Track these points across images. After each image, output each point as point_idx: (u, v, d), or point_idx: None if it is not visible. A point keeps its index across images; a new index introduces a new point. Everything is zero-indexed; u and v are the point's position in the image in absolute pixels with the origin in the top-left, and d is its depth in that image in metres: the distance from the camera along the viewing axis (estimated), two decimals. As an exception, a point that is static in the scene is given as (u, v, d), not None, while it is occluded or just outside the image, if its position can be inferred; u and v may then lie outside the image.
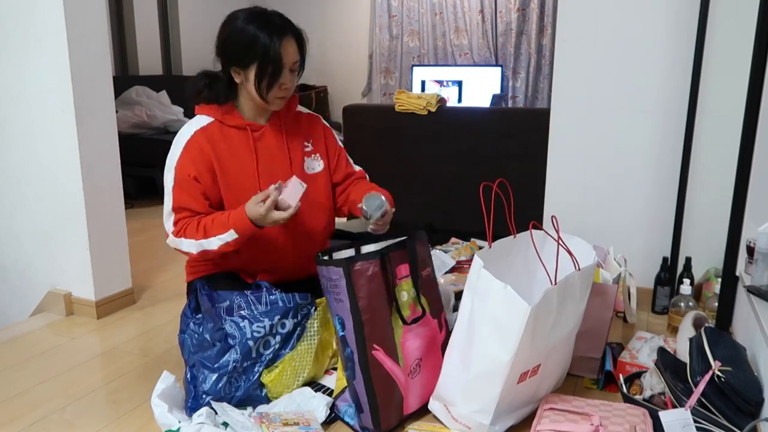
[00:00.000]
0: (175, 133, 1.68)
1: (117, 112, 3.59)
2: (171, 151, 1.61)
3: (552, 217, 1.48)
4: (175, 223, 1.57)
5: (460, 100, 4.85)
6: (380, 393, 1.36)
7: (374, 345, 1.35)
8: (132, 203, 3.85)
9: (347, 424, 1.43)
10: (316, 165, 1.75)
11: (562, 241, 1.43)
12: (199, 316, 1.55)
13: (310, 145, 1.75)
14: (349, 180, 1.82)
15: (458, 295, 1.89)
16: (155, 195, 4.09)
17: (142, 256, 2.79)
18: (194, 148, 1.59)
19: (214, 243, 1.52)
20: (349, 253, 1.50)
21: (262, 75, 1.55)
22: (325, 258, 1.42)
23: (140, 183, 4.15)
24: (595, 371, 1.65)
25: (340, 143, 1.86)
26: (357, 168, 1.88)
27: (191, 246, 1.55)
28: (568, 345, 1.49)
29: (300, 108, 1.79)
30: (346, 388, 1.43)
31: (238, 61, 1.58)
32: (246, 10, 1.60)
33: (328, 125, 1.84)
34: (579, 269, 1.41)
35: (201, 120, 1.64)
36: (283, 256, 1.68)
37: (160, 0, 5.02)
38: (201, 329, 1.51)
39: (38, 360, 1.83)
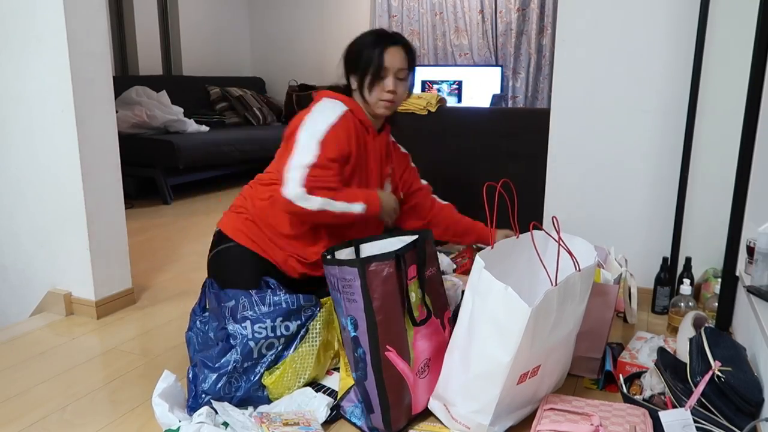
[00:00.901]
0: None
1: (117, 112, 3.60)
2: (319, 114, 1.71)
3: (552, 217, 1.48)
4: (309, 177, 1.60)
5: (459, 100, 4.85)
6: (392, 393, 1.36)
7: (387, 346, 1.36)
8: (132, 203, 3.86)
9: (354, 424, 1.43)
10: (386, 187, 1.92)
11: (562, 241, 1.43)
12: (206, 314, 1.56)
13: (391, 169, 1.93)
14: (420, 191, 2.04)
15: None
16: (155, 195, 4.10)
17: (142, 256, 2.79)
18: (347, 123, 1.71)
19: (338, 206, 1.63)
20: (349, 252, 1.50)
21: (365, 75, 1.73)
22: (336, 258, 1.42)
23: (140, 183, 4.16)
24: (595, 371, 1.65)
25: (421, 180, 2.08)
26: (424, 182, 2.09)
27: (315, 203, 1.61)
28: (567, 346, 1.49)
29: (398, 144, 2.04)
30: (351, 388, 1.43)
31: (353, 67, 1.76)
32: (374, 29, 1.81)
33: (414, 166, 2.06)
34: (579, 270, 1.41)
35: (340, 104, 1.75)
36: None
37: (160, 0, 5.02)
38: (206, 327, 1.52)
39: (38, 360, 1.83)
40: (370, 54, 1.72)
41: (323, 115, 1.70)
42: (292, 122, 1.73)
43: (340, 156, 1.67)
